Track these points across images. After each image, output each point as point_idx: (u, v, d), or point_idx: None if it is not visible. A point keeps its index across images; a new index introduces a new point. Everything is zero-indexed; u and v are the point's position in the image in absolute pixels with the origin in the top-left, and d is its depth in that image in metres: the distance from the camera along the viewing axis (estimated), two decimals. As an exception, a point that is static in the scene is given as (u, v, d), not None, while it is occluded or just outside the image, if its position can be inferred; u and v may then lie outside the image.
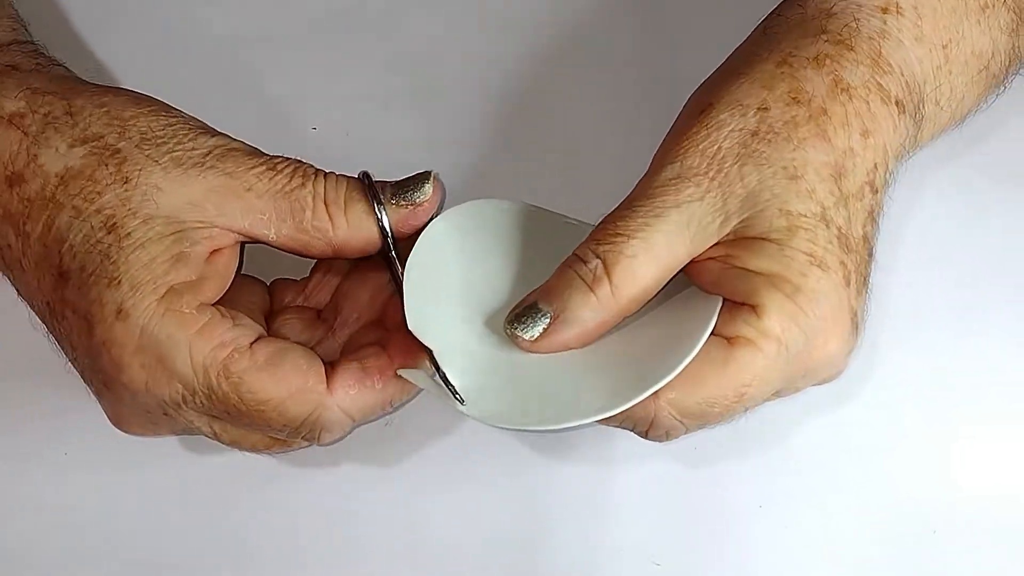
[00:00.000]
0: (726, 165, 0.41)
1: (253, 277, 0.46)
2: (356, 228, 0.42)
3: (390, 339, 0.43)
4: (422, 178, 0.43)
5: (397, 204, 0.43)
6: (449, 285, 0.44)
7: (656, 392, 0.40)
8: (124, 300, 0.40)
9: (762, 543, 0.47)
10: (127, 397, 0.41)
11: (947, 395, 0.49)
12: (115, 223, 0.40)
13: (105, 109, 0.42)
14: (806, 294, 0.40)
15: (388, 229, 0.43)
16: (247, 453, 0.45)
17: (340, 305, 0.45)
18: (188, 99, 0.45)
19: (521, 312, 0.42)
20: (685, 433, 0.42)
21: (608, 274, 0.41)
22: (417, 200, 0.43)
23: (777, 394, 0.43)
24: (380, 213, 0.42)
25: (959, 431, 0.48)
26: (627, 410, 0.40)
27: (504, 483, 0.48)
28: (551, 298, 0.41)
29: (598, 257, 0.41)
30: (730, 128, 0.42)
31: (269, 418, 0.41)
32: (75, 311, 0.41)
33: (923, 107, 0.45)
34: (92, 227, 0.40)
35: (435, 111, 0.53)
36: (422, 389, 0.42)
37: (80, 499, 0.48)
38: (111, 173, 0.41)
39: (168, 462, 0.48)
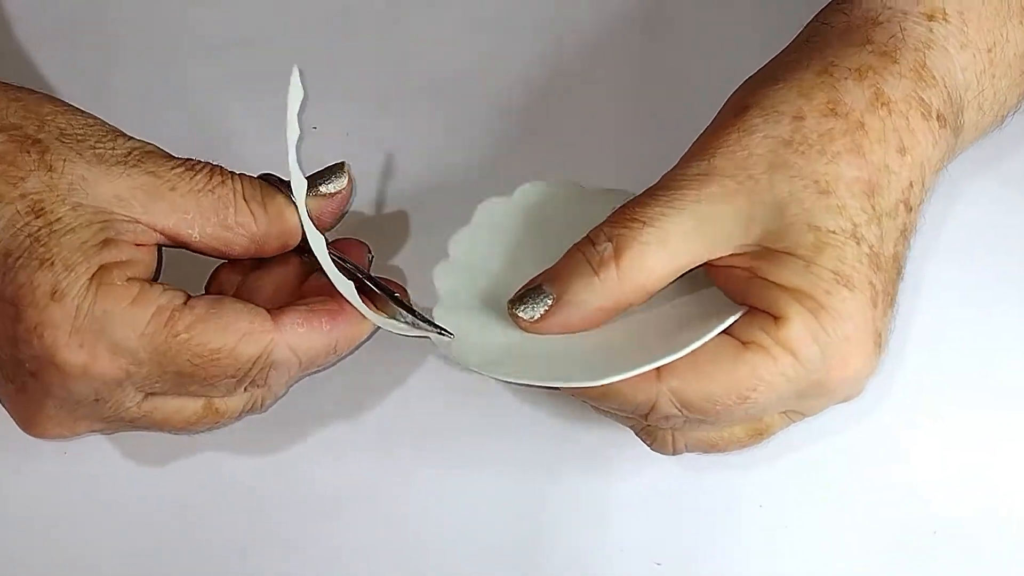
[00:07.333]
0: (756, 172, 0.40)
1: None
2: (277, 220, 0.43)
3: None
4: (336, 168, 0.45)
5: (314, 194, 0.44)
6: (485, 269, 0.46)
7: (661, 376, 0.39)
8: (58, 281, 0.39)
9: (762, 543, 0.47)
10: (56, 385, 0.40)
11: (947, 395, 0.49)
12: (43, 208, 0.40)
13: (21, 103, 0.42)
14: (829, 313, 0.39)
15: (307, 217, 0.43)
16: (222, 452, 0.45)
17: (245, 298, 0.45)
18: (188, 99, 0.45)
19: (524, 293, 0.42)
20: (681, 426, 0.42)
21: (616, 258, 0.40)
22: (332, 190, 0.44)
23: (793, 412, 0.43)
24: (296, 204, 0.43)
25: (959, 431, 0.48)
26: (629, 389, 0.40)
27: (505, 483, 0.48)
28: (555, 280, 0.42)
29: (609, 240, 0.41)
30: (763, 134, 0.41)
31: (225, 366, 0.41)
32: None
33: (963, 116, 0.44)
34: (17, 211, 0.40)
35: (434, 111, 0.53)
36: (370, 336, 0.44)
37: (80, 499, 0.48)
38: (34, 160, 0.40)
39: (167, 462, 0.48)
